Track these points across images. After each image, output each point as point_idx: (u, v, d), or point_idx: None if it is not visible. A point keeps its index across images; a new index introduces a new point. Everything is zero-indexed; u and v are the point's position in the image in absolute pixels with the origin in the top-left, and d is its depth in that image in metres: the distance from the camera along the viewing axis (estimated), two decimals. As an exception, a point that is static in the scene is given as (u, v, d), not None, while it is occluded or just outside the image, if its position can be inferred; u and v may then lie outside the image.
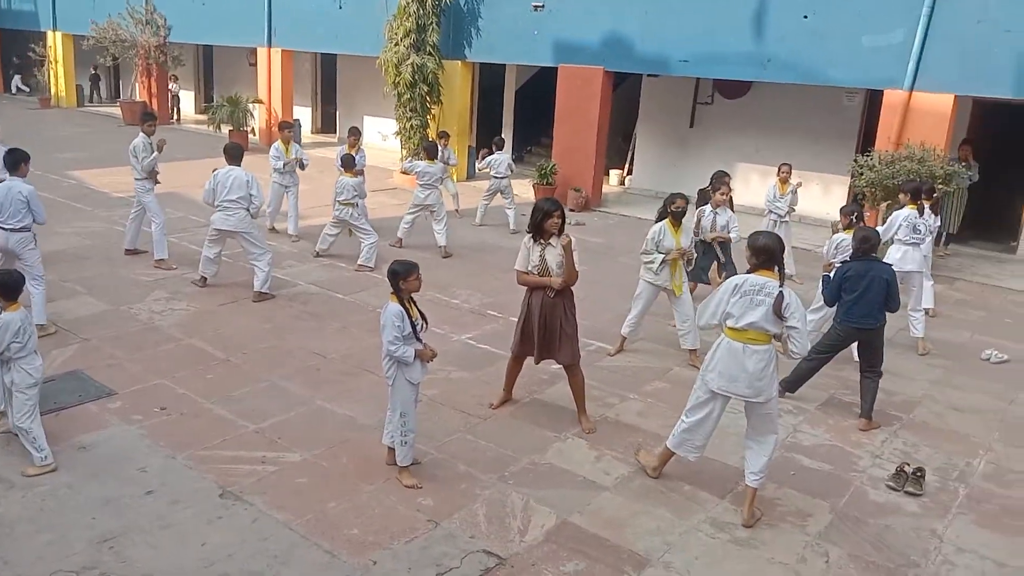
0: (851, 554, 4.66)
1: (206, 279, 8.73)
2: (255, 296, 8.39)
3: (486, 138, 18.24)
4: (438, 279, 9.18)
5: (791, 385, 6.65)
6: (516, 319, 6.11)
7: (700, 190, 8.74)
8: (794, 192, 9.91)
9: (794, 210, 10.12)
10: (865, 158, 10.80)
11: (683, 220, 7.15)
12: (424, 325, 5.06)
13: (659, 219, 7.19)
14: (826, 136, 13.49)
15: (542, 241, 5.69)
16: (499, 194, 12.27)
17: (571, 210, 13.91)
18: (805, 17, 11.59)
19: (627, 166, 16.83)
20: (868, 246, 6.24)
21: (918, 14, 10.55)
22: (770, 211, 10.02)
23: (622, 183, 16.74)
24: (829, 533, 4.86)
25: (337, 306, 8.46)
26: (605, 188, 15.33)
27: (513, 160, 12.78)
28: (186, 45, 22.62)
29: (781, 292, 4.65)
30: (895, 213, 8.23)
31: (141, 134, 9.36)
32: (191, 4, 20.67)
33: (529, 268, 5.76)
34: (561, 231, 5.69)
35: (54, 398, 6.01)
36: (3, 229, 6.84)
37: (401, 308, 4.89)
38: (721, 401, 4.98)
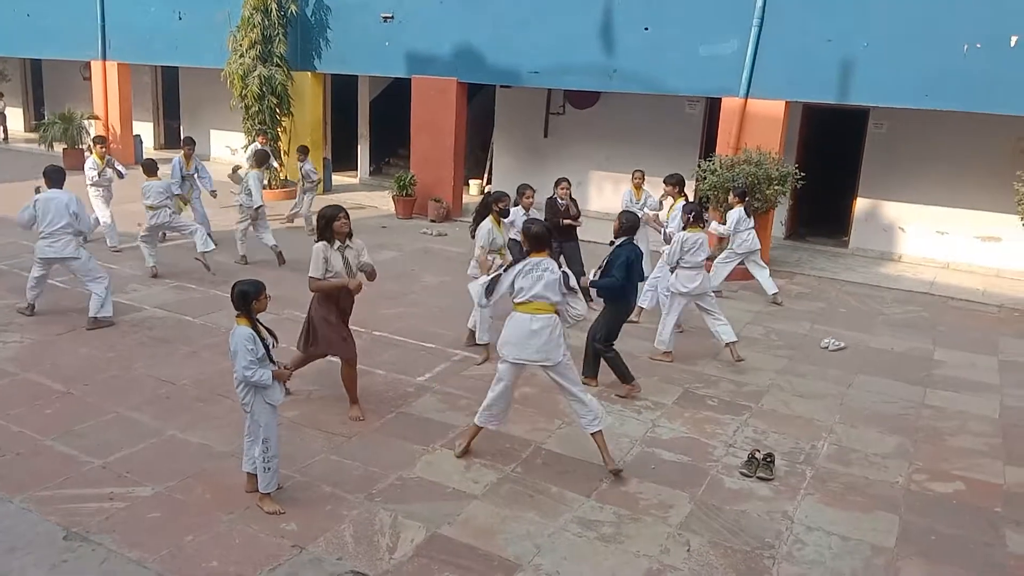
0: (711, 541, 4.86)
1: (34, 307, 8.15)
2: (89, 323, 7.87)
3: (343, 150, 18.02)
4: (278, 294, 8.89)
5: (592, 374, 7.07)
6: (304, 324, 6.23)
7: (548, 199, 9.07)
8: (651, 197, 10.24)
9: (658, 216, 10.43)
10: (708, 163, 11.36)
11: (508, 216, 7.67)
12: (274, 343, 4.91)
13: (480, 217, 7.60)
14: (672, 143, 14.10)
15: (339, 243, 5.96)
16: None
17: (432, 221, 13.91)
18: (646, 29, 12.08)
19: (486, 175, 16.99)
20: (632, 226, 6.84)
21: (749, 25, 11.20)
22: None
23: (482, 192, 16.86)
24: (689, 523, 5.05)
25: (187, 330, 8.07)
26: (465, 198, 15.40)
27: (371, 171, 12.96)
28: (11, 59, 21.03)
29: (564, 271, 5.45)
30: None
31: None
32: (15, 15, 19.24)
33: (327, 272, 5.95)
34: (350, 234, 6.04)
35: None
36: None
37: (251, 330, 4.73)
38: (515, 370, 5.52)
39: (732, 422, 6.56)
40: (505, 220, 7.62)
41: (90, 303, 7.91)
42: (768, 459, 5.76)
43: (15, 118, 23.22)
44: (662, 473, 5.67)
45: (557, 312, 5.46)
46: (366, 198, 15.76)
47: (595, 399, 5.68)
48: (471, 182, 16.67)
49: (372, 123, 17.82)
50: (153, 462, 5.44)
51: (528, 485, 5.39)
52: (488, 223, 7.50)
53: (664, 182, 9.24)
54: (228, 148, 19.08)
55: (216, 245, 10.02)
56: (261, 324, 4.88)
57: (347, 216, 6.01)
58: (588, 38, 12.48)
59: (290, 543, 4.61)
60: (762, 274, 9.95)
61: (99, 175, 10.85)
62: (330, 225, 5.93)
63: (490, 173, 16.83)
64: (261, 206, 10.43)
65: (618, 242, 6.74)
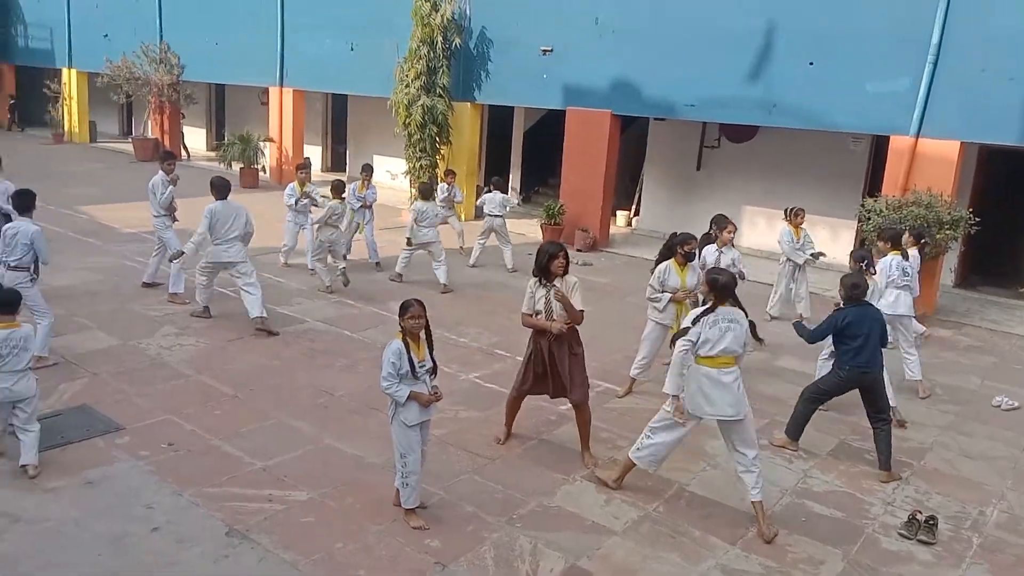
0: (864, 603, 4.59)
1: (208, 308, 8.81)
2: (258, 322, 8.42)
3: (495, 176, 18.43)
4: (446, 317, 9.21)
5: (793, 432, 6.62)
6: (522, 361, 6.13)
7: (704, 234, 8.81)
8: (809, 237, 9.88)
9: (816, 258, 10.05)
10: (872, 203, 10.85)
11: (693, 260, 7.24)
12: (431, 367, 5.02)
13: (662, 258, 7.28)
14: (833, 180, 13.58)
15: (546, 283, 5.76)
16: (494, 233, 12.32)
17: (578, 250, 13.98)
18: (811, 64, 11.73)
19: (634, 207, 16.92)
20: (859, 292, 6.31)
21: (923, 62, 10.66)
22: (788, 256, 9.92)
23: (629, 224, 16.82)
24: (842, 581, 4.80)
25: (345, 343, 8.47)
26: (612, 229, 15.40)
27: (520, 201, 12.90)
28: (199, 84, 22.93)
29: (751, 321, 5.34)
30: (882, 260, 8.04)
31: (160, 172, 9.56)
32: (205, 44, 21.00)
33: (534, 310, 5.82)
34: (566, 272, 5.78)
35: (61, 432, 6.02)
36: (3, 264, 6.90)
37: (401, 345, 4.87)
38: (694, 423, 5.38)
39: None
40: (691, 263, 7.23)
41: (251, 307, 8.46)
42: (931, 522, 5.39)
43: (199, 138, 25.27)
44: (813, 527, 5.41)
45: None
46: (515, 225, 16.00)
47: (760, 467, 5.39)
48: (619, 213, 16.66)
49: (524, 152, 18.18)
50: (309, 468, 5.73)
51: (670, 526, 5.28)
52: (668, 264, 7.16)
53: (878, 238, 8.26)
54: (388, 173, 19.94)
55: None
56: (428, 345, 4.99)
57: (567, 257, 5.80)
58: (747, 71, 12.25)
59: (433, 560, 4.73)
60: None
61: (296, 202, 11.09)
62: (549, 262, 5.76)
63: (638, 204, 16.76)
64: (432, 242, 10.63)
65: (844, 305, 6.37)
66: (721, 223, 8.36)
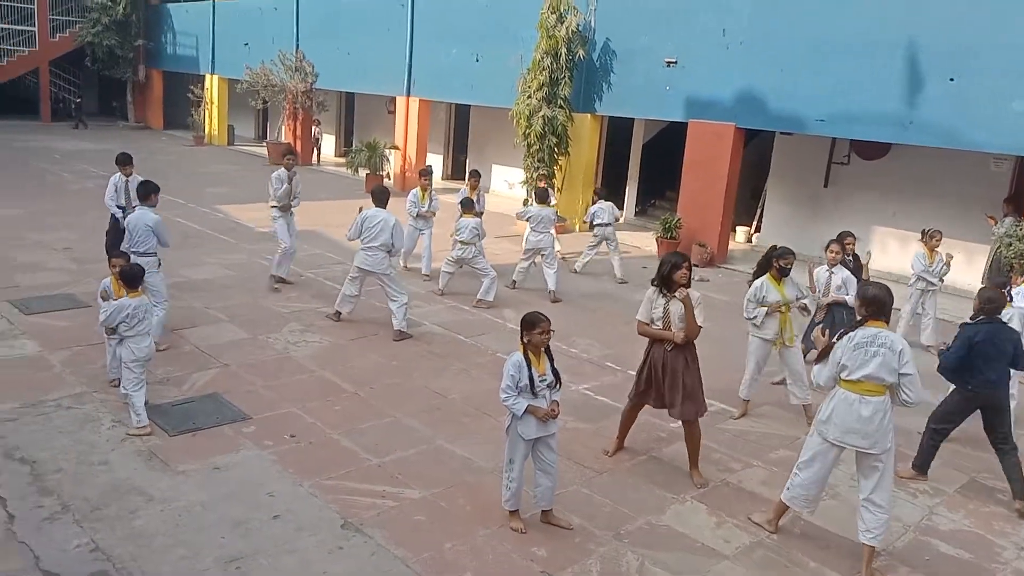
0: (994, 653, 4.32)
1: (340, 315, 9.09)
2: (396, 335, 8.66)
3: (611, 189, 18.37)
4: (556, 327, 9.13)
5: (921, 466, 6.30)
6: (635, 372, 6.09)
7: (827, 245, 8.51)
8: (944, 263, 9.42)
9: (942, 280, 9.58)
10: (1015, 227, 10.20)
11: (789, 274, 7.04)
12: (555, 383, 5.03)
13: (760, 273, 7.11)
14: (971, 202, 12.83)
15: (667, 294, 5.69)
16: (604, 242, 12.30)
17: (695, 265, 13.69)
18: (951, 79, 11.15)
19: (755, 223, 16.51)
20: (993, 306, 5.98)
21: (1080, 79, 9.98)
22: (920, 279, 9.48)
23: (749, 240, 16.42)
24: (969, 627, 4.52)
25: (460, 348, 8.63)
26: (731, 245, 15.06)
27: (636, 212, 12.79)
28: (330, 92, 23.89)
29: (902, 350, 4.72)
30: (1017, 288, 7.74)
31: (281, 167, 10.12)
32: (337, 53, 21.89)
33: (651, 320, 5.75)
34: (688, 284, 5.67)
35: (193, 418, 6.40)
36: (133, 253, 7.39)
37: (522, 358, 4.92)
38: (835, 452, 4.98)
39: (1028, 522, 5.79)
40: (786, 278, 7.05)
41: (393, 317, 8.71)
42: (1072, 572, 5.01)
43: (328, 144, 26.34)
44: (938, 567, 5.13)
45: (890, 390, 4.80)
46: (629, 238, 15.93)
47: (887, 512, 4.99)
48: (738, 228, 16.28)
49: (642, 165, 18.04)
50: (422, 467, 5.87)
51: (783, 555, 5.12)
52: (764, 280, 7.02)
53: (990, 283, 7.88)
54: (506, 182, 20.22)
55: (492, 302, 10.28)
56: (549, 359, 5.04)
57: (690, 268, 5.67)
58: (881, 86, 11.75)
59: (539, 568, 4.75)
60: None
61: (418, 209, 11.25)
62: (671, 272, 5.63)
63: (760, 221, 16.33)
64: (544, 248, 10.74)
65: (972, 320, 6.07)
66: (831, 242, 8.12)
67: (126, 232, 7.63)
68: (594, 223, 12.23)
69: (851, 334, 4.80)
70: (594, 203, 12.47)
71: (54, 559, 4.54)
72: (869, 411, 4.75)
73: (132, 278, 6.26)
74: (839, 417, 4.84)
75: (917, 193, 13.48)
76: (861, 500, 4.98)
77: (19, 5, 29.37)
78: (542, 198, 11.16)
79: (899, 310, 9.94)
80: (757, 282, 7.07)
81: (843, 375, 4.80)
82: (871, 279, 8.38)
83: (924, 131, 11.52)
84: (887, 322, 4.82)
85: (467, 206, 10.46)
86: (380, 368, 7.84)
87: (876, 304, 4.77)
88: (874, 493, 4.88)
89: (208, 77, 27.43)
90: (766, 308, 6.96)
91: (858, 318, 4.88)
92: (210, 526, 4.96)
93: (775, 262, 6.99)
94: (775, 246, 7.19)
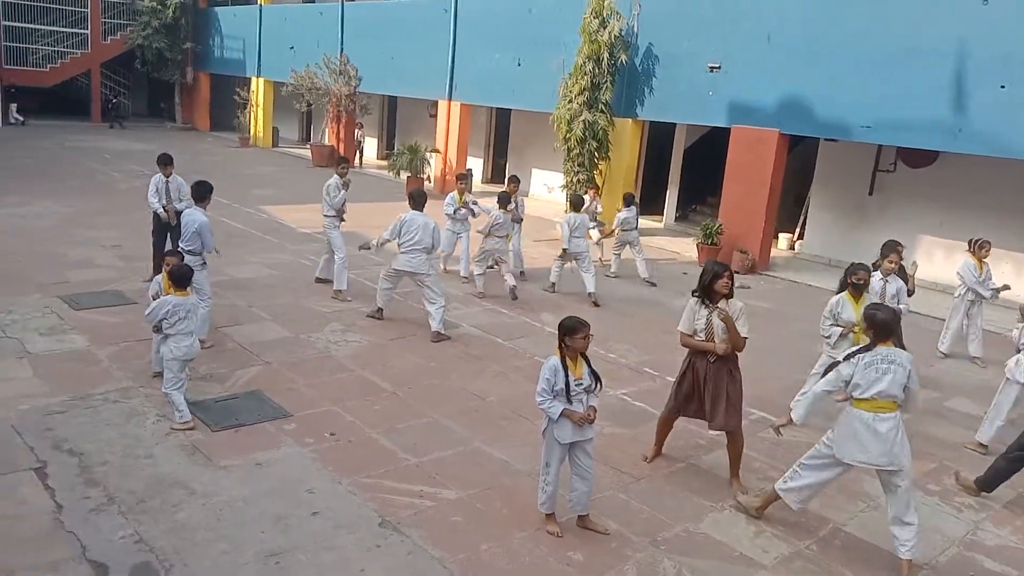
0: (1041, 674, 4.21)
1: (382, 311, 9.19)
2: (434, 336, 8.71)
3: (651, 194, 18.29)
4: (595, 331, 9.14)
5: (986, 484, 6.14)
6: (674, 381, 6.05)
7: (873, 263, 8.37)
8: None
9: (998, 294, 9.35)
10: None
11: (864, 292, 6.84)
12: (596, 385, 5.02)
13: (840, 289, 6.94)
14: (1019, 212, 12.54)
15: (709, 304, 5.63)
16: (628, 246, 12.39)
17: (736, 272, 13.54)
18: (1002, 87, 10.92)
19: (798, 230, 16.30)
20: None
21: None
22: (970, 290, 9.27)
23: (792, 247, 16.21)
24: (1015, 646, 4.42)
25: (497, 350, 8.65)
26: (773, 252, 14.88)
27: (677, 218, 12.78)
28: (373, 95, 24.13)
29: (911, 369, 4.89)
30: None
31: (335, 175, 10.18)
32: (381, 58, 22.11)
33: (694, 331, 5.70)
34: (731, 294, 5.61)
35: (235, 414, 6.49)
36: (181, 250, 7.57)
37: (559, 362, 4.92)
38: (845, 468, 5.09)
39: (1078, 541, 5.63)
40: (866, 295, 6.84)
41: (431, 319, 8.76)
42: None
43: (371, 146, 26.60)
44: (983, 583, 5.02)
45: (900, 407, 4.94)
46: (669, 243, 15.85)
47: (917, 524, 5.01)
48: (780, 235, 16.09)
49: (683, 170, 17.93)
50: (459, 469, 5.89)
51: (823, 566, 5.04)
52: (842, 297, 6.84)
53: None
54: (545, 186, 20.23)
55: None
56: (586, 363, 5.03)
57: (732, 277, 5.64)
58: (930, 93, 11.54)
59: (576, 572, 4.74)
60: None
61: (455, 212, 11.27)
62: (712, 282, 5.59)
63: (803, 227, 16.13)
64: (579, 251, 10.77)
65: None
66: (885, 250, 7.95)
67: (180, 229, 7.83)
68: (622, 229, 12.34)
69: (860, 355, 4.94)
70: (624, 208, 12.52)
71: (100, 549, 4.64)
72: (885, 428, 4.85)
73: (180, 278, 6.39)
74: (855, 437, 4.91)
75: (964, 202, 13.20)
76: (890, 518, 5.02)
77: (73, 9, 30.14)
78: (577, 205, 11.29)
79: (939, 319, 9.77)
80: (834, 298, 6.95)
81: (856, 394, 4.91)
82: (915, 289, 8.26)
83: (974, 139, 11.30)
84: (895, 343, 4.98)
85: (503, 200, 10.72)
86: (419, 369, 7.89)
87: (885, 328, 4.95)
88: (901, 512, 4.96)
89: (254, 80, 27.88)
90: (841, 328, 6.82)
91: (868, 341, 5.04)
92: (251, 521, 5.03)
93: (848, 279, 6.83)
94: (854, 263, 7.05)
